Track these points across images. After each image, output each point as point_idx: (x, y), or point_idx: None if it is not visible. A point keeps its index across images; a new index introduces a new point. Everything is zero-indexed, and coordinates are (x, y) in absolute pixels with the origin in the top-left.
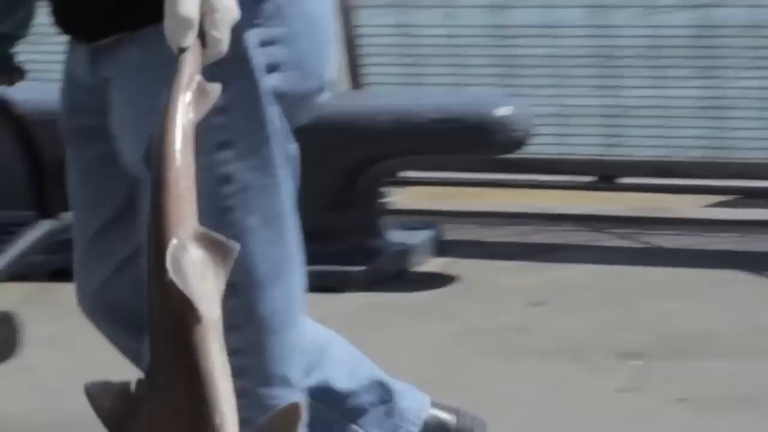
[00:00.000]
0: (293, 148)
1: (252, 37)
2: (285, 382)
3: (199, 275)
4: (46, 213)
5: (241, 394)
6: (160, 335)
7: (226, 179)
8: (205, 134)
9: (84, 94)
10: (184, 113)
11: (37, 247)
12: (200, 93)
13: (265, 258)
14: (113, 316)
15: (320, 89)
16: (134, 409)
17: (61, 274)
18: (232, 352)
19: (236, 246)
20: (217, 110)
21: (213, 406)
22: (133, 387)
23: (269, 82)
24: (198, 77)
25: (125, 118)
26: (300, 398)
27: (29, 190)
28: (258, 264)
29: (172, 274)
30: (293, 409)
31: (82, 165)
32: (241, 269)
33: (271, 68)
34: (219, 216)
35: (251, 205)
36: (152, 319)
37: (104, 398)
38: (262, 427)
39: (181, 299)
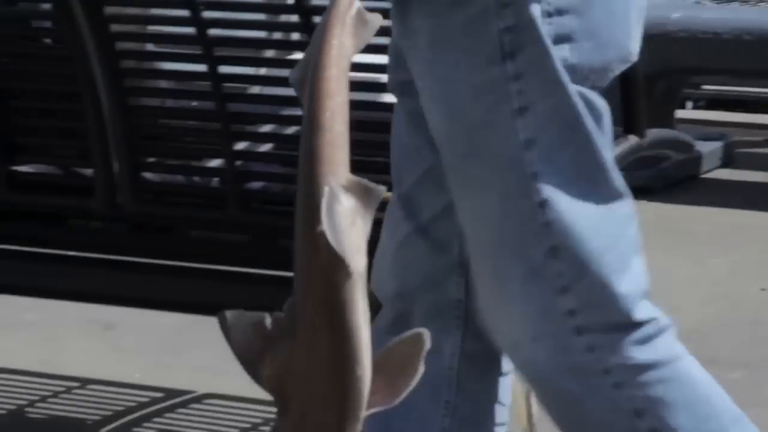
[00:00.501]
0: (600, 103)
1: (538, 7)
2: (633, 326)
3: (349, 225)
4: (630, 128)
5: (589, 349)
6: (307, 287)
7: (529, 144)
8: (502, 103)
9: (400, 49)
10: (342, 45)
11: (619, 162)
12: (360, 22)
13: (582, 212)
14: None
15: (621, 59)
16: (269, 349)
17: (640, 191)
18: (569, 314)
19: (381, 189)
20: (511, 78)
21: (355, 358)
22: (268, 323)
23: (559, 52)
24: (358, 4)
25: (426, 91)
26: (667, 337)
27: (617, 106)
28: (576, 220)
29: (326, 227)
30: (416, 338)
31: (400, 117)
32: (559, 230)
33: (561, 39)
34: (527, 183)
35: (559, 163)
36: (300, 269)
37: (239, 329)
38: (385, 356)
39: (331, 253)
